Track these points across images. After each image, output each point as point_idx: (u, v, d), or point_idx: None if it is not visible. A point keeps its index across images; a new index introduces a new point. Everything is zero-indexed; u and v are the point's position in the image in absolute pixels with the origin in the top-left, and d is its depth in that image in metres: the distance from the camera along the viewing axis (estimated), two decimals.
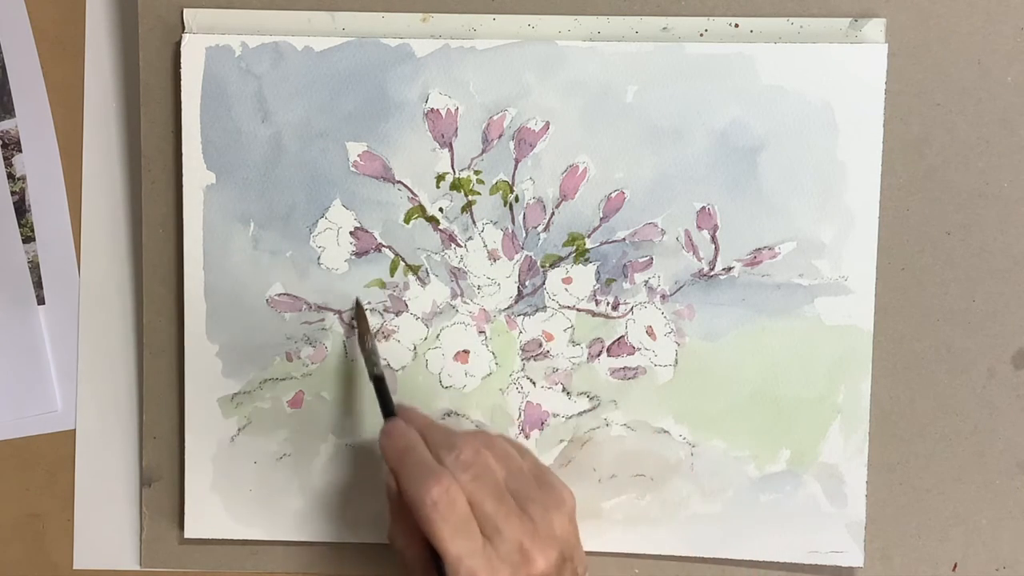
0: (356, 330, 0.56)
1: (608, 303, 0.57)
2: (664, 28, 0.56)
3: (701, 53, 0.56)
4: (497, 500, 0.48)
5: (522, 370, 0.58)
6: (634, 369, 0.57)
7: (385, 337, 0.58)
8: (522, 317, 0.57)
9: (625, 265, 0.57)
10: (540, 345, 0.57)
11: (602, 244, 0.57)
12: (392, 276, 0.58)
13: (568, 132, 0.56)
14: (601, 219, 0.57)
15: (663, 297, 0.57)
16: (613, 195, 0.56)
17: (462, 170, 0.57)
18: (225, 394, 0.58)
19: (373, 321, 0.58)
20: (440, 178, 0.57)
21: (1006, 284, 0.57)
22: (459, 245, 0.57)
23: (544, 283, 0.57)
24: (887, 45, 0.56)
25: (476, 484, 0.48)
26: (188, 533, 0.59)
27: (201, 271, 0.58)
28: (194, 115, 0.57)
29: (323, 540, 0.59)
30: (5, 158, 0.60)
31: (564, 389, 0.57)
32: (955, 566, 0.58)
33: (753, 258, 0.56)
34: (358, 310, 0.57)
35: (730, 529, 0.57)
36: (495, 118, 0.56)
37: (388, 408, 0.53)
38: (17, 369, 0.61)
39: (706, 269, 0.57)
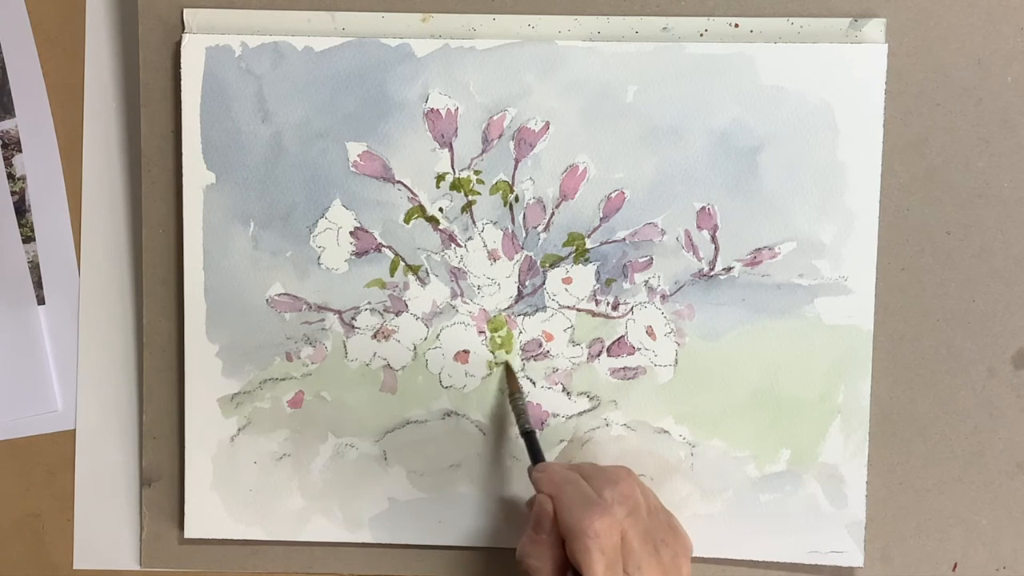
0: (507, 390, 0.57)
1: (608, 303, 0.57)
2: (664, 28, 0.56)
3: (701, 53, 0.56)
4: (643, 539, 0.49)
5: (522, 370, 0.58)
6: (634, 369, 0.57)
7: (385, 337, 0.58)
8: (522, 317, 0.57)
9: (625, 265, 0.57)
10: (540, 345, 0.57)
11: (602, 244, 0.57)
12: (392, 276, 0.58)
13: (568, 132, 0.56)
14: (601, 219, 0.57)
15: (663, 297, 0.57)
16: (613, 195, 0.56)
17: (462, 170, 0.57)
18: (225, 394, 0.58)
19: (373, 321, 0.58)
20: (440, 178, 0.57)
21: (1006, 284, 0.57)
22: (459, 245, 0.57)
23: (544, 283, 0.57)
24: (887, 45, 0.56)
25: (630, 520, 0.49)
26: (188, 533, 0.59)
27: (201, 271, 0.58)
28: (194, 115, 0.57)
29: (323, 540, 0.59)
30: (5, 158, 0.60)
31: (564, 389, 0.58)
32: (955, 566, 0.58)
33: (753, 258, 0.56)
34: (508, 372, 0.57)
35: (730, 529, 0.57)
36: (495, 118, 0.56)
37: (539, 459, 0.54)
38: (17, 369, 0.61)
39: (706, 269, 0.57)
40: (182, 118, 0.57)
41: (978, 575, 0.58)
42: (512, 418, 0.57)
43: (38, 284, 0.61)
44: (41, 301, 0.61)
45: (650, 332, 0.57)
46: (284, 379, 0.58)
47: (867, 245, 0.56)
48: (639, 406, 0.57)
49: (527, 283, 0.57)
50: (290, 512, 0.59)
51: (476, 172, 0.57)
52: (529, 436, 0.55)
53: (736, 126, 0.56)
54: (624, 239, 0.57)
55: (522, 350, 0.58)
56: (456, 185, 0.57)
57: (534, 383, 0.58)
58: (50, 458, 0.61)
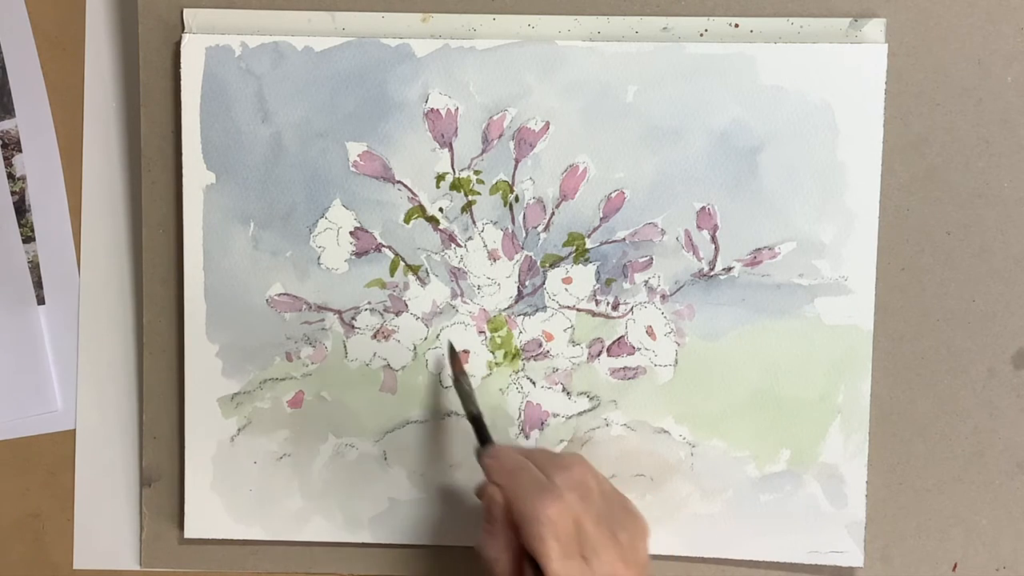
0: (452, 372, 0.56)
1: (608, 303, 0.57)
2: (664, 28, 0.56)
3: (701, 53, 0.56)
4: (596, 523, 0.49)
5: (522, 370, 0.58)
6: (634, 369, 0.57)
7: (385, 337, 0.58)
8: (522, 317, 0.57)
9: (625, 265, 0.57)
10: (540, 345, 0.57)
11: (602, 244, 0.57)
12: (392, 276, 0.58)
13: (568, 132, 0.56)
14: (601, 219, 0.57)
15: (663, 297, 0.57)
16: (613, 195, 0.56)
17: (462, 170, 0.57)
18: (225, 394, 0.58)
19: (373, 321, 0.58)
20: (440, 178, 0.57)
21: (1006, 284, 0.57)
22: (459, 245, 0.57)
23: (544, 283, 0.57)
24: (887, 45, 0.56)
25: (582, 505, 0.49)
26: (188, 533, 0.59)
27: (201, 271, 0.58)
28: (194, 115, 0.57)
29: (323, 540, 0.59)
30: (5, 158, 0.60)
31: (564, 389, 0.57)
32: (955, 566, 0.58)
33: (753, 258, 0.56)
34: (451, 353, 0.57)
35: (730, 529, 0.57)
36: (495, 118, 0.56)
37: (487, 442, 0.54)
38: (17, 369, 0.61)
39: (706, 269, 0.57)
40: (182, 118, 0.57)
41: (978, 575, 0.58)
42: (508, 418, 0.57)
43: (38, 284, 0.61)
44: (41, 301, 0.61)
45: (650, 332, 0.57)
46: (284, 379, 0.58)
47: (867, 245, 0.56)
48: (639, 406, 0.57)
49: (527, 283, 0.57)
50: (290, 512, 0.59)
51: (476, 172, 0.57)
52: (476, 420, 0.54)
53: (736, 126, 0.56)
54: (624, 239, 0.57)
55: (522, 350, 0.58)
56: (456, 185, 0.57)
57: (534, 383, 0.58)
58: (50, 458, 0.61)
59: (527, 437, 0.58)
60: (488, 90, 0.56)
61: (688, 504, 0.57)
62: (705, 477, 0.57)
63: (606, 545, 0.48)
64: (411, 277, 0.58)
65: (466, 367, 0.57)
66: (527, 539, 0.48)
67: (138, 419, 0.60)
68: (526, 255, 0.57)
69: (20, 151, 0.61)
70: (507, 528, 0.49)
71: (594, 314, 0.57)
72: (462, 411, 0.58)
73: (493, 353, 0.58)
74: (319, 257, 0.58)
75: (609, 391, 0.57)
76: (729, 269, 0.57)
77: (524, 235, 0.57)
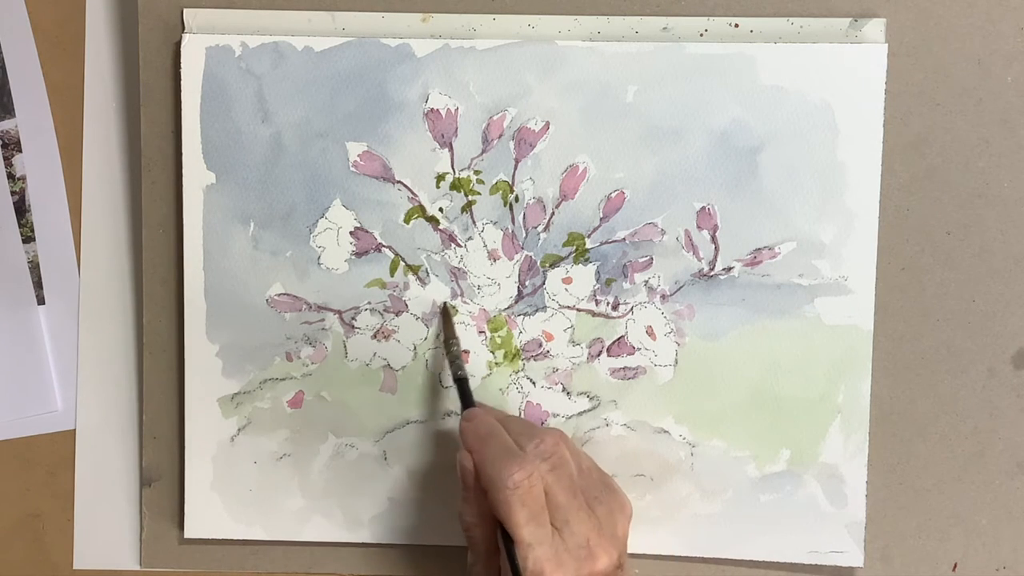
0: (443, 333, 0.57)
1: (608, 303, 0.57)
2: (664, 28, 0.56)
3: (701, 53, 0.56)
4: (570, 493, 0.49)
5: (522, 370, 0.58)
6: (634, 369, 0.57)
7: (385, 337, 0.58)
8: (522, 317, 0.57)
9: (625, 265, 0.57)
10: (540, 345, 0.57)
11: (602, 244, 0.57)
12: (392, 276, 0.58)
13: (568, 132, 0.56)
14: (601, 219, 0.57)
15: (663, 297, 0.57)
16: (613, 195, 0.57)
17: (462, 170, 0.57)
18: (225, 394, 0.58)
19: (373, 321, 0.58)
20: (440, 178, 0.57)
21: (1006, 284, 0.57)
22: (459, 245, 0.57)
23: (544, 283, 0.57)
24: (887, 45, 0.56)
25: (553, 475, 0.49)
26: (188, 533, 0.59)
27: (201, 271, 0.58)
28: (194, 115, 0.57)
29: (323, 540, 0.59)
30: (5, 158, 0.60)
31: (564, 389, 0.57)
32: (955, 566, 0.58)
33: (753, 258, 0.56)
34: (444, 315, 0.57)
35: (730, 529, 0.57)
36: (495, 118, 0.56)
37: (469, 405, 0.54)
38: (17, 369, 0.61)
39: (706, 269, 0.57)
40: (182, 118, 0.57)
41: (978, 575, 0.58)
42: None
43: (38, 284, 0.61)
44: (41, 301, 0.61)
45: (650, 332, 0.57)
46: (284, 379, 0.58)
47: (867, 245, 0.56)
48: (639, 406, 0.57)
49: (527, 283, 0.57)
50: (290, 512, 0.59)
51: (476, 172, 0.57)
52: (461, 383, 0.54)
53: (736, 126, 0.56)
54: (624, 239, 0.57)
55: (522, 350, 0.58)
56: (456, 185, 0.57)
57: (534, 383, 0.58)
58: (50, 458, 0.61)
59: None
60: (488, 90, 0.56)
61: (688, 504, 0.57)
62: (705, 477, 0.57)
63: (578, 516, 0.48)
64: (411, 277, 0.58)
65: (467, 367, 0.57)
66: (494, 505, 0.48)
67: (138, 419, 0.60)
68: (526, 255, 0.57)
69: (20, 151, 0.61)
70: (480, 495, 0.49)
71: (594, 314, 0.57)
72: (462, 411, 0.58)
73: (493, 353, 0.58)
74: (319, 257, 0.58)
75: (609, 391, 0.57)
76: (729, 269, 0.57)
77: (524, 235, 0.57)
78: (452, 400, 0.58)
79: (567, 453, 0.50)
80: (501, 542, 0.48)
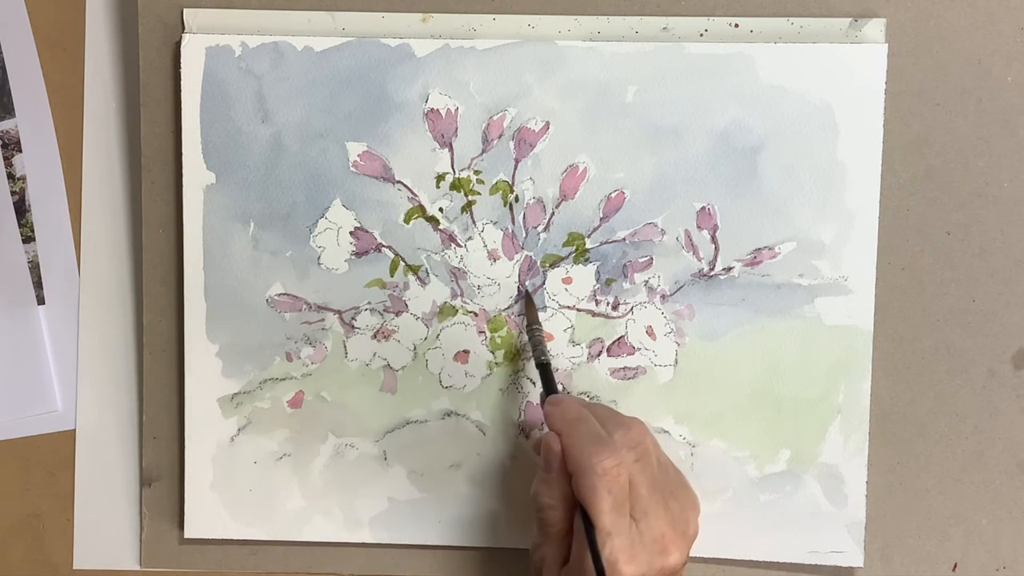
0: (524, 319, 0.57)
1: (608, 303, 0.57)
2: (664, 28, 0.56)
3: (701, 53, 0.56)
4: (651, 486, 0.49)
5: (522, 370, 0.58)
6: (634, 369, 0.57)
7: (385, 337, 0.58)
8: (522, 317, 0.57)
9: (625, 265, 0.57)
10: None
11: (602, 244, 0.57)
12: (392, 276, 0.58)
13: (568, 132, 0.56)
14: (601, 219, 0.57)
15: (663, 297, 0.57)
16: (613, 195, 0.57)
17: (462, 170, 0.57)
18: (225, 394, 0.58)
19: (373, 321, 0.58)
20: (440, 178, 0.57)
21: (1006, 284, 0.57)
22: (459, 245, 0.57)
23: (544, 283, 0.57)
24: (887, 45, 0.56)
25: (638, 466, 0.49)
26: (188, 533, 0.59)
27: (201, 271, 0.58)
28: (194, 115, 0.57)
29: (323, 540, 0.59)
30: (5, 158, 0.60)
31: (564, 389, 0.57)
32: (955, 566, 0.58)
33: (753, 258, 0.56)
34: (527, 301, 0.57)
35: (730, 529, 0.57)
36: (495, 118, 0.56)
37: (552, 391, 0.54)
38: (17, 369, 0.61)
39: (706, 269, 0.57)
40: (182, 118, 0.57)
41: (978, 575, 0.58)
42: (508, 418, 0.57)
43: (38, 284, 0.61)
44: (41, 301, 0.61)
45: (650, 332, 0.57)
46: (284, 379, 0.58)
47: (867, 245, 0.56)
48: (639, 406, 0.57)
49: (527, 283, 0.57)
50: (290, 512, 0.59)
51: (476, 172, 0.57)
52: (544, 368, 0.54)
53: (736, 126, 0.56)
54: (624, 239, 0.57)
55: (522, 350, 0.58)
56: (456, 185, 0.57)
57: (534, 383, 0.58)
58: (50, 458, 0.61)
59: (527, 437, 0.58)
60: (488, 90, 0.56)
61: None
62: (705, 477, 0.57)
63: (656, 509, 0.48)
64: (411, 277, 0.58)
65: (466, 367, 0.57)
66: (580, 489, 0.48)
67: (138, 419, 0.60)
68: (526, 255, 0.57)
69: (20, 151, 0.61)
70: (562, 477, 0.49)
71: (594, 314, 0.57)
72: (462, 411, 0.58)
73: (493, 353, 0.58)
74: (319, 257, 0.58)
75: (609, 391, 0.57)
76: (729, 269, 0.57)
77: (524, 235, 0.57)
78: (452, 400, 0.58)
79: (651, 445, 0.50)
80: (580, 527, 0.48)
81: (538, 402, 0.58)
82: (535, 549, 0.51)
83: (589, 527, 0.47)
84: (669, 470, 0.51)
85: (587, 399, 0.57)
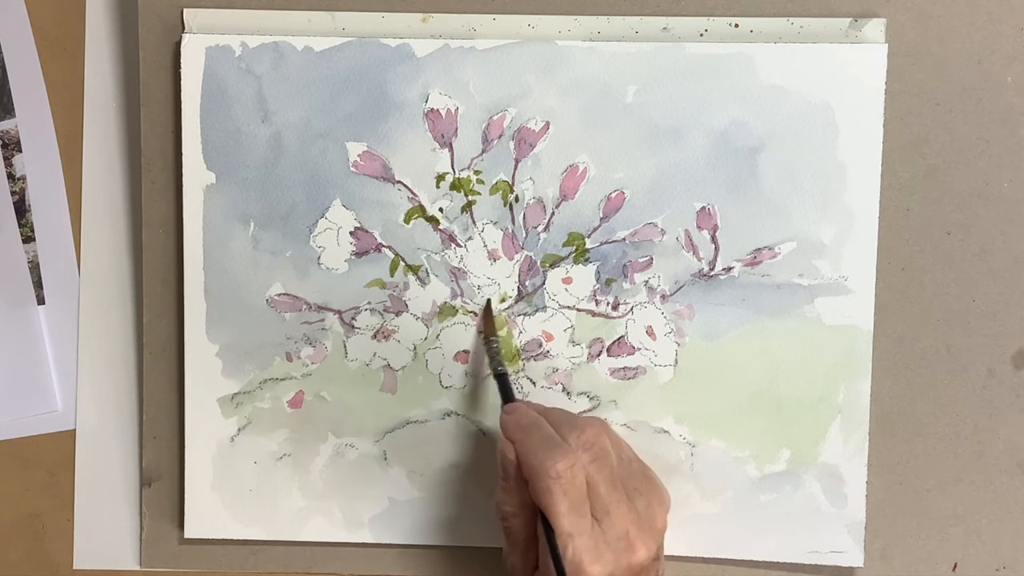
0: (483, 328, 0.57)
1: (608, 303, 0.57)
2: (664, 28, 0.56)
3: (701, 53, 0.56)
4: (610, 485, 0.49)
5: (522, 370, 0.58)
6: (634, 369, 0.57)
7: (385, 337, 0.58)
8: (522, 317, 0.57)
9: (625, 265, 0.57)
10: (540, 345, 0.57)
11: (602, 244, 0.57)
12: (392, 276, 0.58)
13: (568, 132, 0.56)
14: (601, 219, 0.57)
15: (663, 297, 0.57)
16: (613, 195, 0.57)
17: (462, 170, 0.57)
18: (225, 394, 0.58)
19: (373, 321, 0.58)
20: (440, 178, 0.57)
21: (1006, 284, 0.57)
22: (459, 245, 0.57)
23: (544, 283, 0.57)
24: (887, 45, 0.56)
25: (595, 466, 0.49)
26: (188, 533, 0.59)
27: (201, 271, 0.58)
28: (194, 115, 0.57)
29: (323, 540, 0.59)
30: (5, 158, 0.60)
31: (564, 389, 0.57)
32: (955, 566, 0.58)
33: (753, 258, 0.56)
34: (486, 311, 0.57)
35: (730, 529, 0.57)
36: (495, 118, 0.56)
37: (509, 399, 0.54)
38: (17, 369, 0.61)
39: (706, 269, 0.57)
40: (182, 118, 0.57)
41: (978, 575, 0.58)
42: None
43: (38, 284, 0.61)
44: (41, 301, 0.61)
45: (650, 332, 0.57)
46: (284, 379, 0.58)
47: (867, 245, 0.56)
48: (639, 406, 0.57)
49: (527, 283, 0.57)
50: (290, 512, 0.59)
51: (476, 172, 0.57)
52: (501, 378, 0.55)
53: (736, 126, 0.56)
54: (624, 239, 0.57)
55: (522, 350, 0.58)
56: (456, 185, 0.57)
57: (534, 383, 0.58)
58: (50, 458, 0.61)
59: None
60: (488, 90, 0.56)
61: (688, 504, 0.57)
62: (705, 477, 0.57)
63: (619, 508, 0.48)
64: (411, 277, 0.58)
65: (466, 367, 0.58)
66: (536, 494, 0.48)
67: (138, 419, 0.60)
68: (526, 255, 0.57)
69: (20, 151, 0.61)
70: (520, 484, 0.49)
71: (594, 314, 0.57)
72: (462, 411, 0.58)
73: None
74: (319, 257, 0.58)
75: (609, 391, 0.57)
76: (729, 269, 0.57)
77: (524, 235, 0.57)
78: (452, 400, 0.58)
79: (608, 444, 0.50)
80: (542, 531, 0.49)
81: (538, 402, 0.58)
82: (505, 558, 0.52)
83: (549, 531, 0.47)
84: (633, 466, 0.51)
85: (587, 399, 0.57)
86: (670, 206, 0.56)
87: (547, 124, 0.56)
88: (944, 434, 0.58)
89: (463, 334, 0.58)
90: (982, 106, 0.57)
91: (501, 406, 0.54)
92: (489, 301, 0.57)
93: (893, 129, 0.56)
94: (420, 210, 0.57)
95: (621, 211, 0.57)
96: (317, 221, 0.57)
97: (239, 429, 0.59)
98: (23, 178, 0.61)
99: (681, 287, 0.57)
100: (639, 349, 0.57)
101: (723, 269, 0.57)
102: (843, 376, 0.56)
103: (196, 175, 0.57)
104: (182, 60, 0.57)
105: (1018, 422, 0.58)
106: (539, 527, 0.49)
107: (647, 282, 0.57)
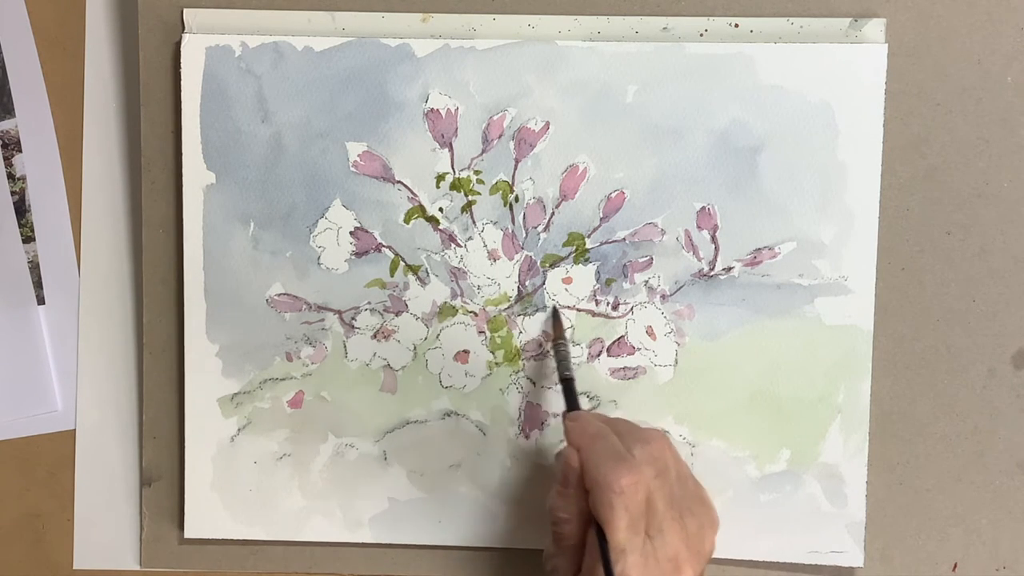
0: (552, 334, 0.57)
1: (608, 303, 0.57)
2: (664, 28, 0.56)
3: (701, 53, 0.56)
4: (668, 502, 0.48)
5: (522, 370, 0.58)
6: (634, 369, 0.57)
7: (385, 337, 0.58)
8: (522, 317, 0.57)
9: (625, 265, 0.57)
10: (540, 345, 0.57)
11: (602, 244, 0.57)
12: (392, 276, 0.58)
13: (568, 132, 0.56)
14: (601, 219, 0.57)
15: (663, 297, 0.57)
16: (613, 195, 0.57)
17: (462, 170, 0.57)
18: (225, 394, 0.58)
19: (373, 321, 0.58)
20: (440, 178, 0.57)
21: (1006, 284, 0.57)
22: (459, 245, 0.57)
23: (544, 283, 0.57)
24: (887, 45, 0.56)
25: (657, 482, 0.48)
26: (188, 533, 0.59)
27: (201, 271, 0.58)
28: (194, 115, 0.57)
29: (323, 540, 0.59)
30: (5, 158, 0.60)
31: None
32: (955, 566, 0.58)
33: (753, 258, 0.56)
34: (555, 316, 0.57)
35: (730, 529, 0.57)
36: (495, 118, 0.56)
37: (574, 406, 0.54)
38: (17, 369, 0.61)
39: (706, 269, 0.57)
40: (182, 118, 0.57)
41: (978, 575, 0.58)
42: (508, 418, 0.57)
43: (38, 284, 0.61)
44: (41, 301, 0.61)
45: (650, 332, 0.57)
46: (284, 379, 0.58)
47: (867, 245, 0.56)
48: (639, 406, 0.57)
49: (527, 283, 0.57)
50: (290, 512, 0.59)
51: (476, 172, 0.57)
52: (568, 383, 0.54)
53: (736, 126, 0.56)
54: (624, 239, 0.57)
55: (522, 350, 0.58)
56: (456, 185, 0.57)
57: (534, 383, 0.58)
58: (50, 458, 0.61)
59: (527, 437, 0.58)
60: (488, 90, 0.56)
61: None
62: (705, 477, 0.57)
63: (672, 527, 0.48)
64: (411, 277, 0.58)
65: (466, 367, 0.58)
66: (596, 505, 0.47)
67: (138, 419, 0.60)
68: (526, 255, 0.57)
69: (20, 151, 0.61)
70: (579, 492, 0.49)
71: (594, 314, 0.57)
72: (461, 411, 0.58)
73: (493, 353, 0.58)
74: (319, 257, 0.58)
75: (609, 391, 0.57)
76: (729, 269, 0.57)
77: (524, 235, 0.57)
78: (452, 400, 0.58)
79: (671, 459, 0.49)
80: (593, 541, 0.48)
81: (538, 402, 0.58)
82: (548, 558, 0.51)
83: (603, 543, 0.47)
84: (688, 483, 0.50)
85: (587, 399, 0.57)
86: (670, 206, 0.56)
87: (547, 124, 0.56)
88: (944, 434, 0.58)
89: (463, 334, 0.58)
90: (982, 106, 0.57)
91: (564, 412, 0.53)
92: (555, 307, 0.57)
93: (893, 129, 0.56)
94: (420, 210, 0.57)
95: (621, 211, 0.57)
96: (317, 221, 0.57)
97: (239, 429, 0.59)
98: (23, 178, 0.61)
99: (681, 287, 0.57)
100: (639, 349, 0.57)
101: (723, 269, 0.57)
102: (843, 376, 0.56)
103: (196, 175, 0.57)
104: (182, 60, 0.57)
105: (1018, 422, 0.58)
106: (591, 537, 0.48)
107: (647, 282, 0.57)
